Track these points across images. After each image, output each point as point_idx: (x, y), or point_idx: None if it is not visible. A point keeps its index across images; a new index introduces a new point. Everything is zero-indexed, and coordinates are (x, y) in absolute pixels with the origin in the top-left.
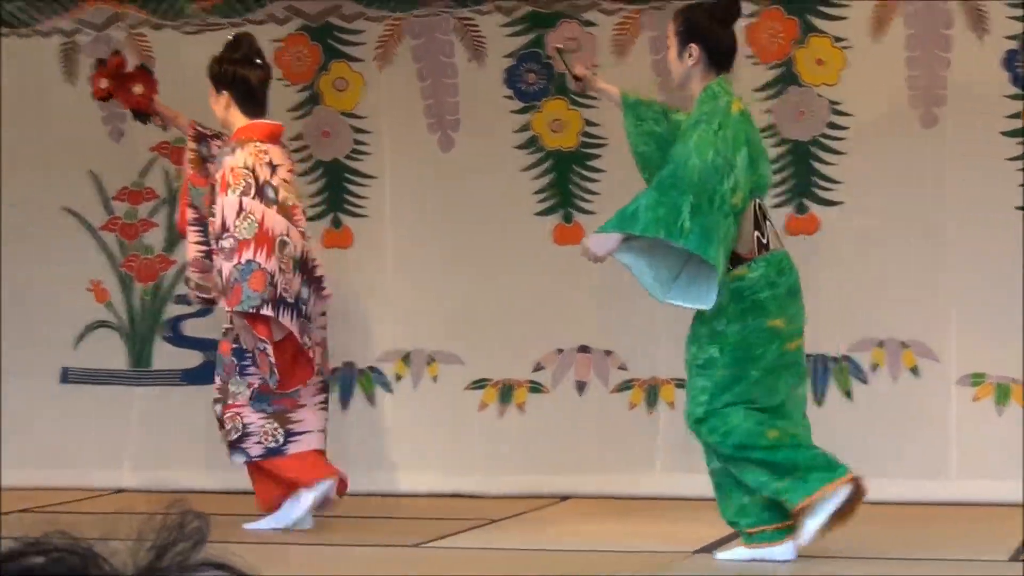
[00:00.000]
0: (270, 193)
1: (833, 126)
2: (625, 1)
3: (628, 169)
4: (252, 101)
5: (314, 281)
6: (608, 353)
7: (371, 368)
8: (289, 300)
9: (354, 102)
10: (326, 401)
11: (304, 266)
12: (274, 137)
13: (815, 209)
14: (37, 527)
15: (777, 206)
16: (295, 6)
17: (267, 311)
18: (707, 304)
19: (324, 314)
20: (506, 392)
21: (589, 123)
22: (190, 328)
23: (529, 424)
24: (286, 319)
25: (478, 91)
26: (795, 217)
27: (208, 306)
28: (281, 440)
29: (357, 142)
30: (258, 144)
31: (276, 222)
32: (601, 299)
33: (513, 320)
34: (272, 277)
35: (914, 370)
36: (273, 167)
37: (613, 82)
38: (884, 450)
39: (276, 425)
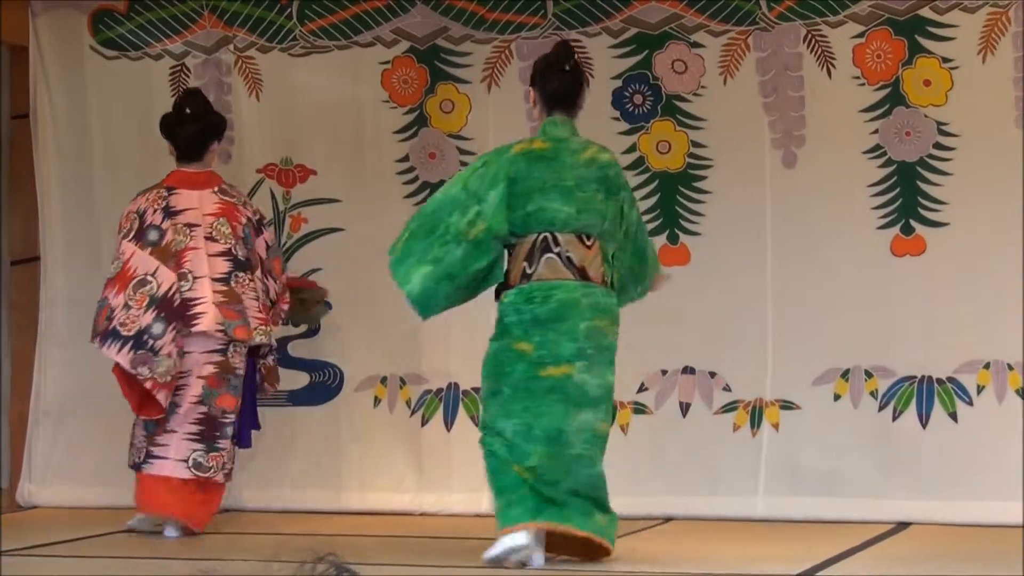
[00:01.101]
0: (152, 236)
1: (940, 147)
2: (732, 23)
3: (734, 190)
4: (180, 150)
5: (182, 318)
6: (712, 374)
7: (475, 389)
8: (124, 333)
9: (460, 124)
10: (203, 437)
11: (167, 304)
12: (189, 183)
13: (921, 230)
14: (145, 547)
15: (883, 227)
16: (402, 28)
17: (95, 342)
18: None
19: (221, 351)
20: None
21: (696, 144)
22: (297, 349)
23: (633, 445)
24: (112, 350)
25: (585, 112)
26: (901, 238)
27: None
28: (141, 458)
29: (464, 164)
30: (162, 190)
31: (143, 262)
32: (706, 320)
33: (617, 341)
34: (112, 311)
35: (1020, 392)
36: (170, 212)
37: (721, 103)
38: (990, 472)
39: (145, 444)
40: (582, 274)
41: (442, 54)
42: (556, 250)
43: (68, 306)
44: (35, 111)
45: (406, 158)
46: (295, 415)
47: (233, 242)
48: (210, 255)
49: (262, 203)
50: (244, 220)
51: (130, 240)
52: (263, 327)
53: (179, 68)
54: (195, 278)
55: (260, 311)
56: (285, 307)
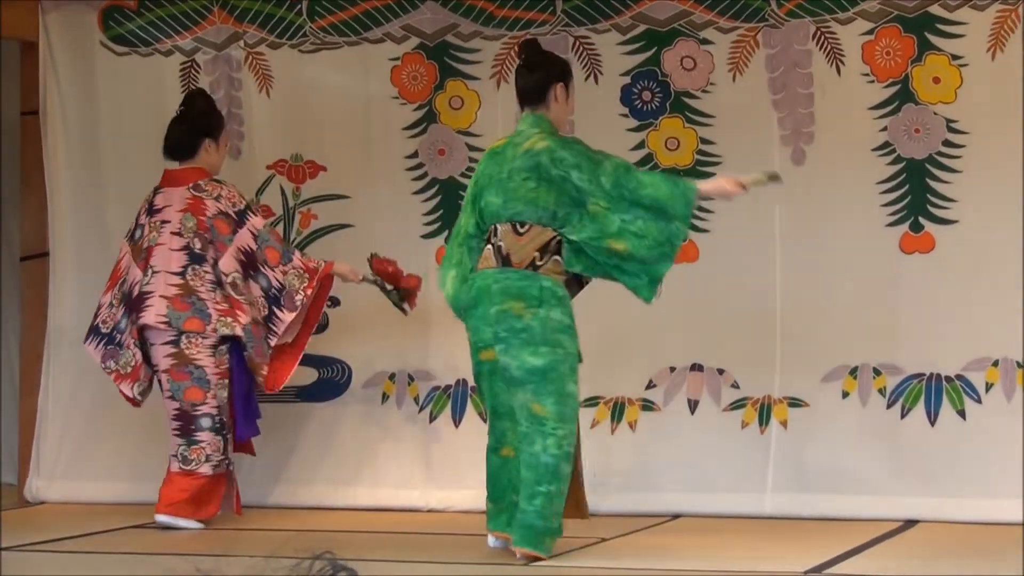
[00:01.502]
0: (136, 234)
1: (949, 144)
2: (742, 19)
3: None
4: (166, 149)
5: (136, 310)
6: (721, 371)
7: None
8: (103, 330)
9: (470, 120)
10: (182, 431)
11: (128, 298)
12: (173, 181)
13: (930, 228)
14: (151, 542)
15: (892, 224)
16: (412, 25)
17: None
18: None
19: (173, 343)
20: (618, 410)
21: (704, 141)
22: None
23: (640, 442)
24: (90, 346)
25: (594, 109)
26: (910, 235)
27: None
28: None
29: (473, 160)
30: (152, 190)
31: (126, 260)
32: (714, 316)
33: (625, 338)
34: (99, 309)
35: None
36: (151, 210)
37: (730, 100)
38: (997, 470)
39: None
40: (505, 261)
41: (451, 50)
42: (493, 240)
43: (77, 302)
44: (45, 107)
45: (415, 154)
46: (303, 411)
47: (192, 236)
48: (172, 250)
49: (272, 200)
50: (213, 212)
51: (126, 239)
52: (224, 318)
53: (189, 64)
54: (154, 273)
55: (220, 302)
56: (309, 292)
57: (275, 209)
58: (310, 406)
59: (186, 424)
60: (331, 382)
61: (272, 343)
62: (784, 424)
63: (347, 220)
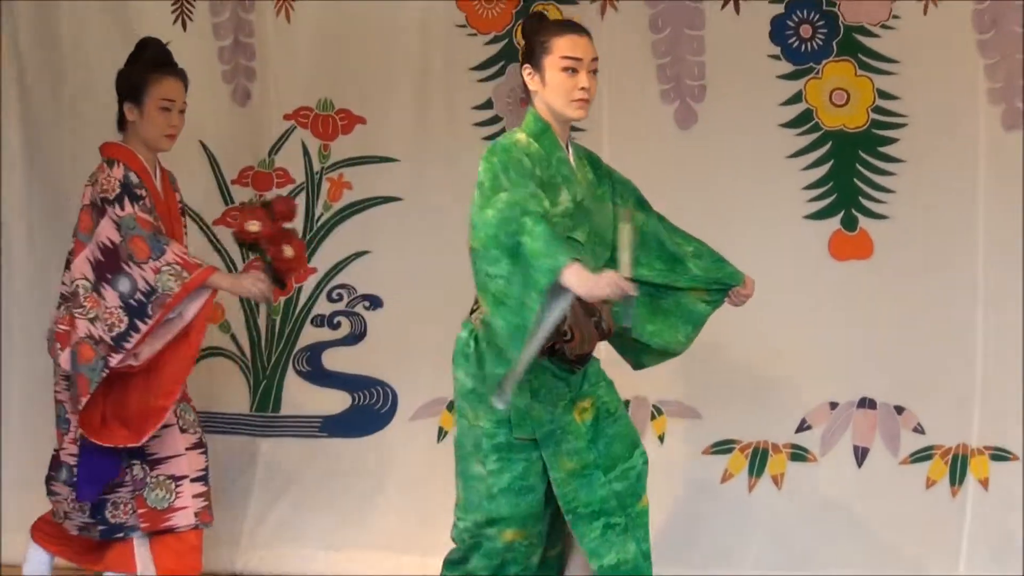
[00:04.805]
0: None
1: None
2: None
3: (935, 159)
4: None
5: None
6: (900, 409)
7: None
8: None
9: None
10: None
11: None
12: None
13: None
14: None
15: None
16: None
17: None
18: None
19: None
20: (758, 459)
21: (884, 95)
22: (334, 359)
23: (788, 503)
24: None
25: (735, 49)
26: None
27: None
28: None
29: None
30: None
31: None
32: (892, 333)
33: (770, 361)
34: None
35: None
36: None
37: (920, 39)
38: None
39: None
40: None
41: None
42: None
43: (34, 296)
44: None
45: (488, 104)
46: (330, 449)
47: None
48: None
49: (291, 160)
50: (84, 203)
51: None
52: (58, 342)
53: None
54: None
55: (63, 322)
56: (182, 296)
57: (294, 174)
58: (340, 442)
59: (50, 469)
60: (369, 411)
61: (114, 363)
62: (984, 484)
63: (393, 191)
